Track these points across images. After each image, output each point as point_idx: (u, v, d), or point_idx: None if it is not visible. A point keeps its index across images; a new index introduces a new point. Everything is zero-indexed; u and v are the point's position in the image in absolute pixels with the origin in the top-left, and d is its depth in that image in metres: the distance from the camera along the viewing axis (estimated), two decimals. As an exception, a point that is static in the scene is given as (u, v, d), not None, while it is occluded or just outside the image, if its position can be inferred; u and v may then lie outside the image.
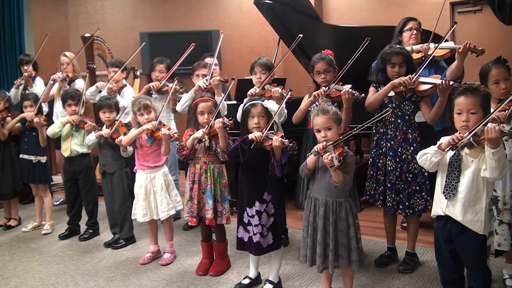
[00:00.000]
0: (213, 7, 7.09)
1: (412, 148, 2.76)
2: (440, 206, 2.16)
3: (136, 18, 7.08)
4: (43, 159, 4.04)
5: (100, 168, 3.63)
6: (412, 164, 2.75)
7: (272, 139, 2.46)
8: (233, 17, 7.05)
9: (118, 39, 6.71)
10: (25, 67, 4.75)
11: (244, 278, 2.77)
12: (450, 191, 2.11)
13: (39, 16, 6.62)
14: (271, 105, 2.64)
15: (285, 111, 3.08)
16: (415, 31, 3.30)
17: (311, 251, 2.36)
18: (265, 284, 2.70)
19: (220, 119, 2.70)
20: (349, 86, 2.78)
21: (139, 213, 3.20)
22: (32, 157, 4.00)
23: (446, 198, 2.12)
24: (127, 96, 4.05)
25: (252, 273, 2.78)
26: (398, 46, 2.95)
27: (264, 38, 6.61)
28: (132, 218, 3.32)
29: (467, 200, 2.07)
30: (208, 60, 4.28)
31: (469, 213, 2.07)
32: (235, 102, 4.39)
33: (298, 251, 3.24)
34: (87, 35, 4.77)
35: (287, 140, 2.43)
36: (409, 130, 2.78)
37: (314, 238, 2.35)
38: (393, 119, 2.80)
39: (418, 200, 2.77)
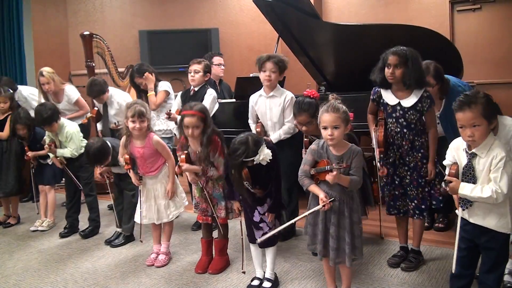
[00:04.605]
0: (213, 5, 7.07)
1: (420, 154, 2.72)
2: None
3: (135, 16, 7.07)
4: (50, 160, 4.13)
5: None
6: (423, 168, 2.72)
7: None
8: (232, 15, 7.03)
9: (117, 37, 6.71)
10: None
11: (252, 280, 2.74)
12: (467, 202, 2.03)
13: (38, 14, 6.62)
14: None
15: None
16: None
17: (321, 244, 2.34)
18: (263, 282, 2.70)
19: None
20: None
21: (142, 214, 3.17)
22: (43, 160, 4.13)
23: (463, 210, 2.06)
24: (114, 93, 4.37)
25: (259, 274, 2.75)
26: (402, 47, 2.65)
27: (264, 36, 6.59)
28: (135, 219, 3.27)
29: (487, 207, 1.98)
30: (215, 59, 4.61)
31: (493, 219, 1.99)
32: (234, 100, 4.40)
33: (296, 249, 3.24)
34: (86, 33, 4.77)
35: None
36: (416, 137, 2.72)
37: (325, 231, 2.33)
38: (398, 129, 2.74)
39: (433, 195, 2.76)
